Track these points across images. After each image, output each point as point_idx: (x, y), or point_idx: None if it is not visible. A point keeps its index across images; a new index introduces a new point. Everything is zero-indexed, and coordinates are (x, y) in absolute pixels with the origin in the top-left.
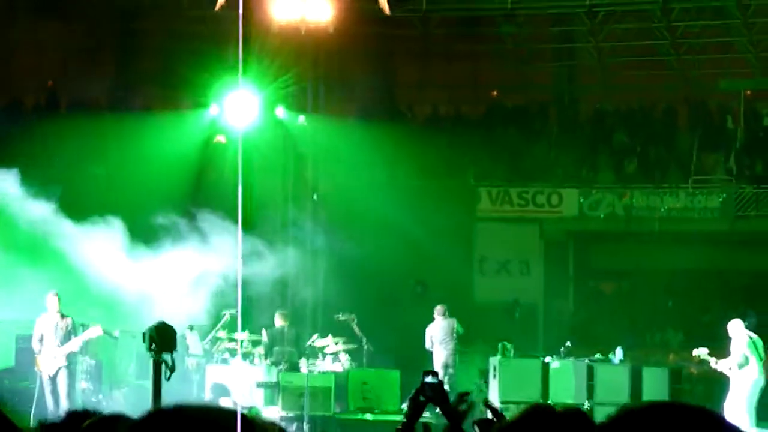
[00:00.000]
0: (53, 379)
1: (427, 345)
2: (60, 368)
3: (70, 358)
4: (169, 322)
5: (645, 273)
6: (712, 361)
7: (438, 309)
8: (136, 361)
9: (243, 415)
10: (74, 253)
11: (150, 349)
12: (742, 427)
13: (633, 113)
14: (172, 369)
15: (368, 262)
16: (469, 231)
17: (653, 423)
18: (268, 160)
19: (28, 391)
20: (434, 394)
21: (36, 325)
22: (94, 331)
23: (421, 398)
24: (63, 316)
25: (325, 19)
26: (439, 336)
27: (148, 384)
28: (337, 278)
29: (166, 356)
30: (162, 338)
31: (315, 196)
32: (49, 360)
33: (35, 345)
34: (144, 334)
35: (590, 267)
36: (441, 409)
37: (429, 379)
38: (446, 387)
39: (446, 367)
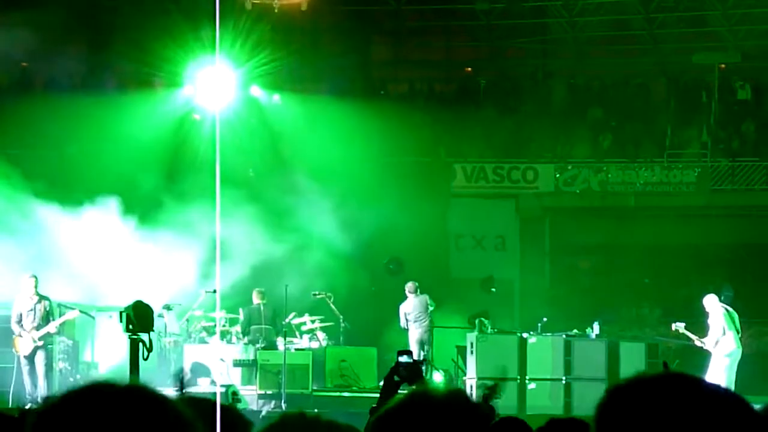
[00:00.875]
0: (30, 360)
1: (402, 323)
2: (37, 349)
3: (47, 338)
4: (145, 300)
5: (621, 248)
6: (695, 339)
7: (408, 286)
8: (113, 341)
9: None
10: (52, 233)
11: (127, 330)
12: None
13: (607, 88)
14: (149, 349)
15: (344, 240)
16: (444, 207)
17: (646, 396)
18: (243, 138)
19: (5, 371)
20: (408, 373)
21: (13, 307)
22: (71, 314)
23: (396, 378)
24: (41, 298)
25: None
26: (413, 313)
27: (126, 363)
28: (312, 255)
29: (143, 336)
30: (139, 318)
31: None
32: (27, 341)
33: (13, 326)
34: (120, 313)
35: (566, 242)
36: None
37: (403, 358)
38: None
39: (422, 343)
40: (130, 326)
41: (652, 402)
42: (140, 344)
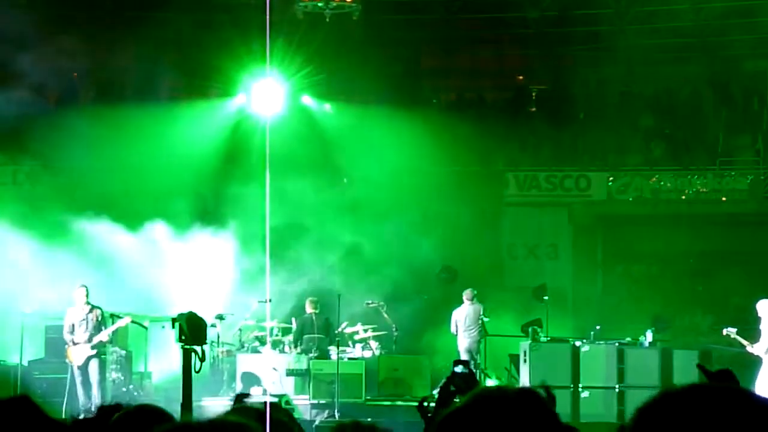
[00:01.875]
0: (83, 370)
1: (452, 329)
2: (90, 359)
3: (100, 348)
4: (198, 311)
5: (673, 256)
6: (747, 344)
7: (466, 293)
8: (166, 351)
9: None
10: (107, 246)
11: (180, 340)
12: None
13: (659, 96)
14: (202, 359)
15: (397, 249)
16: (497, 216)
17: (692, 405)
18: (295, 148)
19: (59, 381)
20: (464, 383)
21: (66, 317)
22: (124, 322)
23: (452, 388)
24: (92, 308)
25: (348, 5)
26: (464, 321)
27: (179, 374)
28: (366, 265)
29: (196, 347)
30: (192, 330)
31: (345, 180)
32: (79, 351)
33: (66, 336)
34: (173, 321)
35: (619, 250)
36: None
37: (459, 369)
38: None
39: (470, 352)
40: (183, 337)
41: (693, 414)
42: (193, 355)
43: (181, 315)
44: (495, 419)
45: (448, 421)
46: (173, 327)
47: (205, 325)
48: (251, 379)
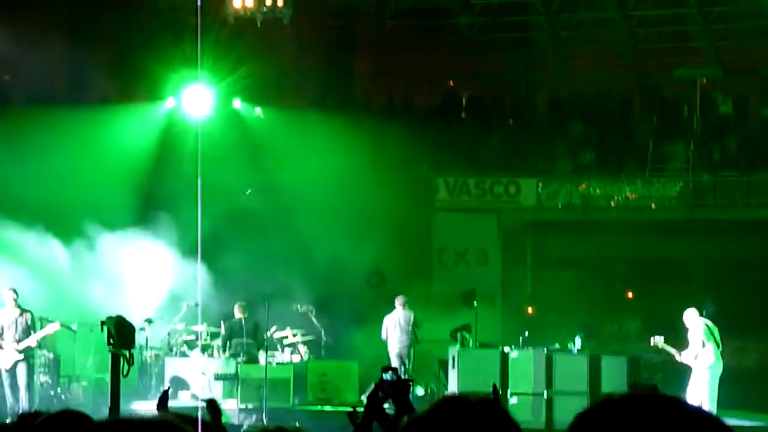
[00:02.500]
0: (11, 373)
1: (383, 335)
2: (18, 362)
3: (28, 352)
4: (126, 314)
5: (603, 262)
6: (675, 354)
7: (399, 299)
8: (94, 355)
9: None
10: (36, 249)
11: (109, 344)
12: None
13: (589, 102)
14: (130, 363)
15: (325, 253)
16: (426, 221)
17: (630, 412)
18: (225, 151)
19: None
20: (393, 390)
21: None
22: (52, 327)
23: (380, 394)
24: (22, 311)
25: (280, 9)
26: (395, 327)
27: (107, 377)
28: (294, 269)
29: (125, 351)
30: (120, 333)
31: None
32: (8, 354)
33: None
34: (102, 324)
35: (548, 256)
36: (397, 406)
37: (387, 375)
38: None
39: (400, 358)
40: (111, 341)
41: (630, 421)
42: (121, 359)
43: (109, 318)
44: (457, 426)
45: (410, 428)
46: (102, 330)
47: (134, 329)
48: (180, 383)
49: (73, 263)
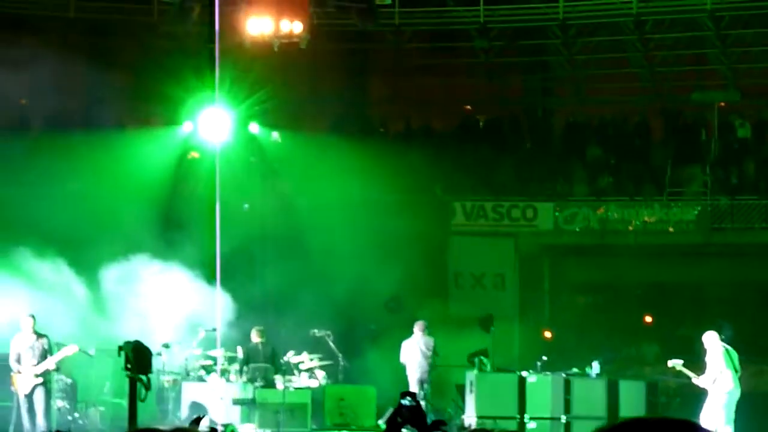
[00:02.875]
0: (29, 398)
1: (402, 359)
2: (36, 387)
3: (46, 376)
4: (144, 339)
5: (620, 286)
6: (693, 377)
7: (419, 324)
8: (111, 379)
9: None
10: (53, 274)
11: (126, 369)
12: None
13: (606, 126)
14: (147, 388)
15: (342, 278)
16: (443, 245)
17: None
18: (242, 176)
19: (4, 410)
20: (411, 416)
21: (12, 345)
22: (70, 350)
23: (399, 420)
24: (39, 336)
25: (297, 34)
26: (416, 352)
27: (124, 402)
28: (311, 294)
29: (142, 375)
30: (137, 359)
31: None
32: (26, 379)
33: (12, 364)
34: (119, 349)
35: (566, 281)
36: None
37: (406, 401)
38: (422, 405)
39: (421, 383)
40: (129, 365)
41: None
42: (138, 383)
43: (127, 343)
44: None
45: None
46: (119, 356)
47: (151, 354)
48: (197, 408)
49: (88, 288)
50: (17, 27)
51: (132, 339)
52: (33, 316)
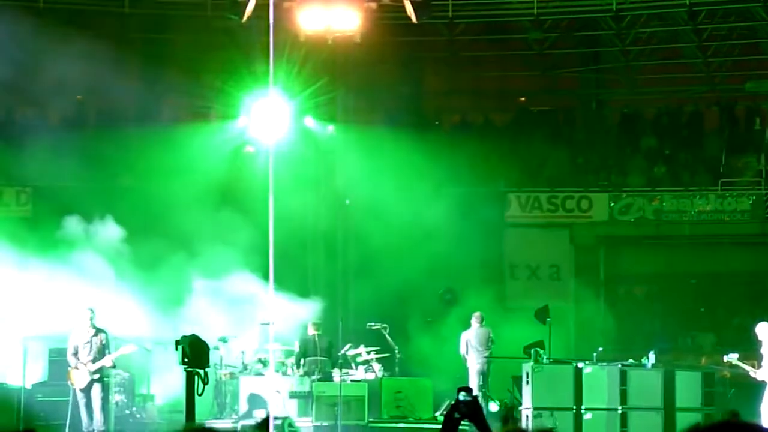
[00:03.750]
0: (86, 393)
1: (462, 350)
2: (93, 382)
3: (104, 371)
4: (201, 334)
5: (676, 276)
6: (750, 370)
7: (476, 315)
8: (169, 374)
9: None
10: (108, 266)
11: (183, 363)
12: None
13: (660, 117)
14: (205, 382)
15: (399, 270)
16: (499, 237)
17: None
18: (298, 170)
19: (61, 404)
20: (469, 410)
21: (70, 339)
22: (128, 348)
23: (456, 415)
24: (97, 331)
25: (351, 28)
26: (474, 343)
27: (181, 397)
28: (368, 287)
29: (199, 369)
30: (194, 353)
31: (347, 202)
32: (82, 374)
33: (70, 359)
34: (176, 343)
35: (621, 271)
36: (476, 426)
37: (463, 396)
38: (480, 398)
39: (481, 374)
40: (186, 360)
41: None
42: (196, 377)
43: (184, 338)
44: None
45: None
46: (176, 350)
47: (208, 348)
48: (255, 401)
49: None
50: (73, 22)
51: (188, 333)
52: (92, 310)
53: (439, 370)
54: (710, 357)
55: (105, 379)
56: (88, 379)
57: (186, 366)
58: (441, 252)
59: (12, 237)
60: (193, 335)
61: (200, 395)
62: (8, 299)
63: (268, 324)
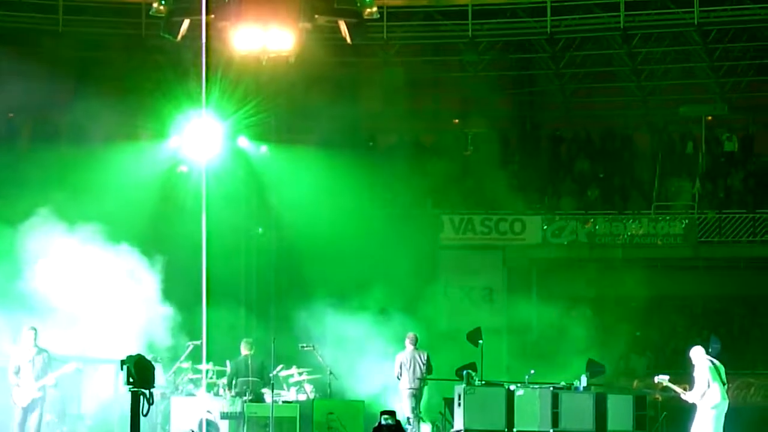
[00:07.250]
0: (25, 412)
1: (396, 372)
2: (34, 400)
3: (44, 391)
4: (132, 353)
5: (609, 299)
6: (681, 392)
7: (410, 336)
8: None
9: None
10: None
11: (128, 383)
12: None
13: (594, 140)
14: (150, 402)
15: (332, 291)
16: (432, 259)
17: None
18: (231, 190)
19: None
20: None
21: (11, 358)
22: (69, 367)
23: None
24: (39, 350)
25: (286, 48)
26: (408, 365)
27: (113, 416)
28: (301, 307)
29: (144, 390)
30: (140, 373)
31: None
32: (25, 392)
33: (11, 378)
34: (122, 363)
35: (554, 294)
36: None
37: (384, 419)
38: (413, 420)
39: (414, 397)
40: (131, 380)
41: None
42: (141, 397)
43: (129, 357)
44: None
45: None
46: (122, 369)
47: (153, 368)
48: (186, 422)
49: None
50: (6, 40)
51: (134, 353)
52: (35, 330)
53: (371, 392)
54: (642, 380)
55: (44, 399)
56: (30, 397)
57: (131, 386)
58: (374, 273)
59: None
60: (139, 355)
61: (145, 416)
62: None
63: (201, 344)
